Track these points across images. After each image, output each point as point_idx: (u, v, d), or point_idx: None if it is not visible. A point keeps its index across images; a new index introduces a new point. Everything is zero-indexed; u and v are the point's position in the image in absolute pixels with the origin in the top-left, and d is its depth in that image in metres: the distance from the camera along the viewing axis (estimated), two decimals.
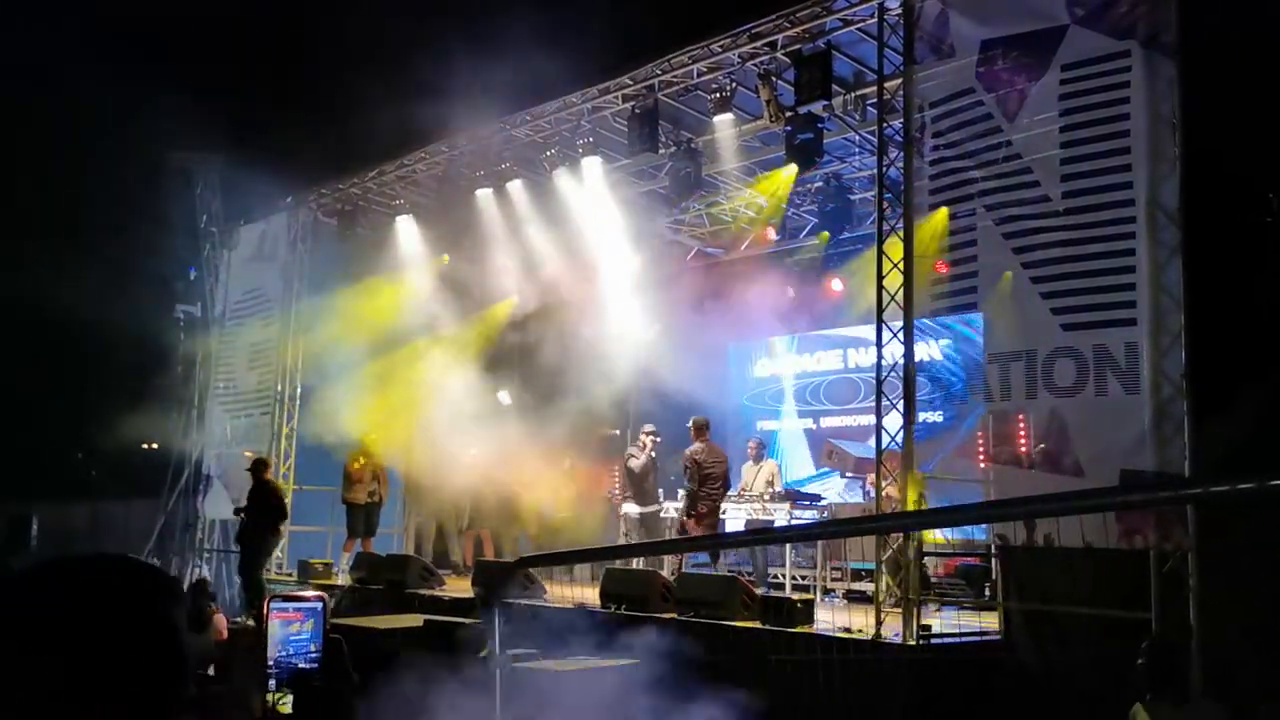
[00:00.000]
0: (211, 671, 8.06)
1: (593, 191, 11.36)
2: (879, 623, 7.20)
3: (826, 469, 13.22)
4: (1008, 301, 7.17)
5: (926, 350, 8.71)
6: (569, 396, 12.47)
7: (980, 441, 7.52)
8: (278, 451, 13.42)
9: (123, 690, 1.14)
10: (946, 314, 8.07)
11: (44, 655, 1.12)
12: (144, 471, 15.92)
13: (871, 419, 8.51)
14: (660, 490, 11.36)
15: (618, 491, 12.36)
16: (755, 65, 9.55)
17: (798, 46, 9.06)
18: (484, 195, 12.19)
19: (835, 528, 8.04)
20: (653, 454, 11.10)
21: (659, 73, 10.15)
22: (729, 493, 10.51)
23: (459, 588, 10.32)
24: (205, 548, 14.66)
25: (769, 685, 5.97)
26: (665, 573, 9.32)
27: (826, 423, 13.70)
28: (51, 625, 1.13)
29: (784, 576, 10.26)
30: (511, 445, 11.84)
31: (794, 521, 9.94)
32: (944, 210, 7.63)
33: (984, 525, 8.14)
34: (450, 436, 12.00)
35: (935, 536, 8.50)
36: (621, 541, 10.98)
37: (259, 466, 11.55)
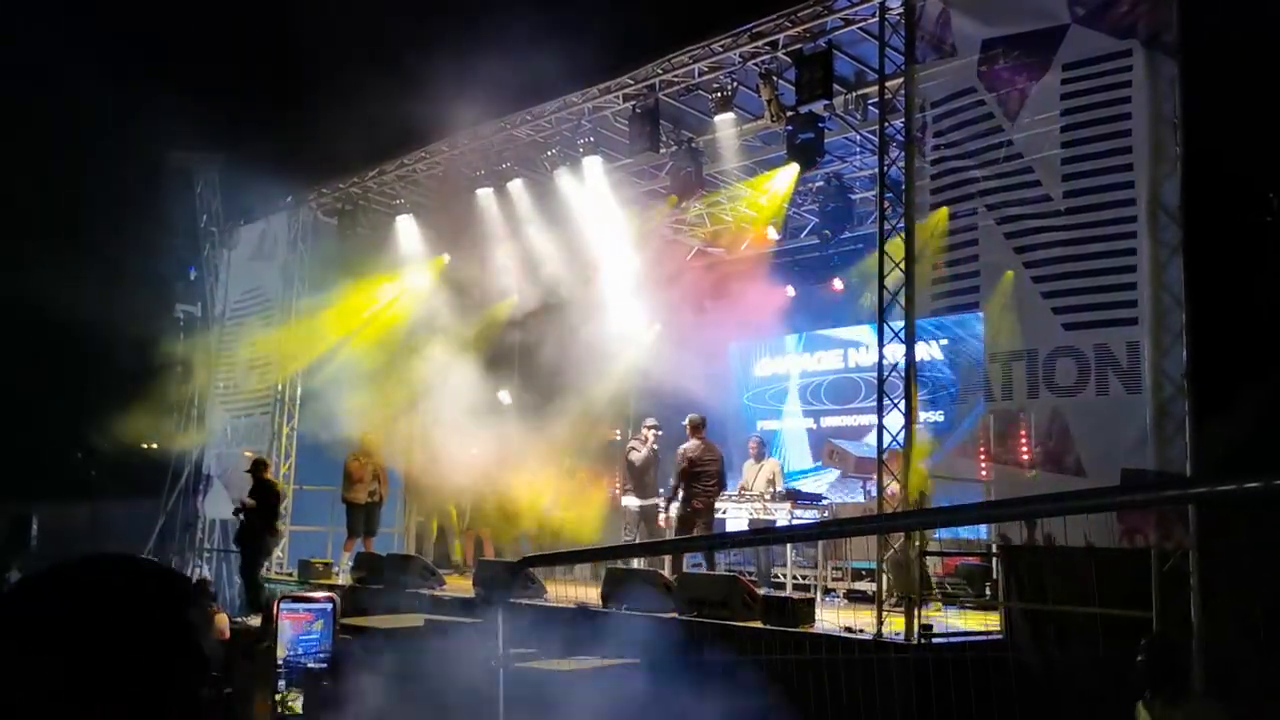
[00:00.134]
0: (214, 672, 8.06)
1: (593, 191, 11.37)
2: (880, 622, 7.20)
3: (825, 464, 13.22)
4: (1009, 301, 7.17)
5: (926, 350, 8.71)
6: (569, 396, 12.47)
7: (981, 441, 7.52)
8: (278, 451, 13.42)
9: (123, 690, 1.14)
10: (947, 314, 8.07)
11: (43, 655, 1.12)
12: (144, 471, 15.91)
13: (873, 419, 8.52)
14: (660, 485, 11.35)
15: (619, 486, 12.37)
16: (756, 65, 9.56)
17: (799, 46, 9.06)
18: (484, 195, 12.19)
19: (836, 528, 8.03)
20: (654, 447, 11.12)
21: (660, 72, 10.15)
22: (726, 491, 10.50)
23: (459, 587, 10.31)
24: (205, 548, 14.66)
25: (771, 685, 5.96)
26: (665, 572, 9.33)
27: (827, 422, 13.70)
28: (50, 625, 1.14)
29: (785, 576, 10.28)
30: (511, 445, 11.84)
31: (795, 521, 9.95)
32: (945, 210, 7.64)
33: (985, 525, 8.14)
34: (450, 436, 12.00)
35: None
36: (624, 534, 11.01)
37: (259, 466, 11.56)
